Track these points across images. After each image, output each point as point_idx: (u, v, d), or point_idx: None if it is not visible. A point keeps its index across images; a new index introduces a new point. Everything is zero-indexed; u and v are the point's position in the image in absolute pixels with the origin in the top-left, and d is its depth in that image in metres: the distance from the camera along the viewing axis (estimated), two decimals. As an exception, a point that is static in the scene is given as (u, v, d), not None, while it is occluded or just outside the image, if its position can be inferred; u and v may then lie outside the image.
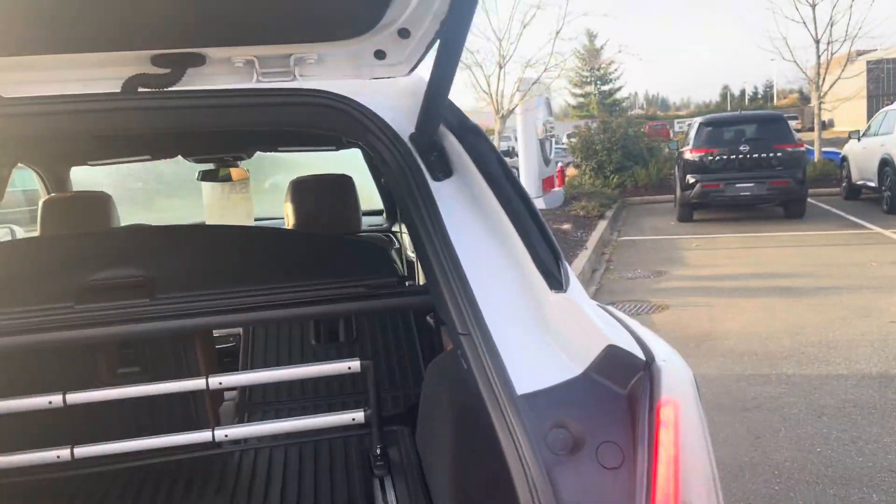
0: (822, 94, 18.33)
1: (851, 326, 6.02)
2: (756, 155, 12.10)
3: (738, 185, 12.06)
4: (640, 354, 1.05)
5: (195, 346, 2.05)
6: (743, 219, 12.94)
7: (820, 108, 19.11)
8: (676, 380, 1.02)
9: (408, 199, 1.27)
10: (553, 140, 15.75)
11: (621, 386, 1.03)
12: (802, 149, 12.50)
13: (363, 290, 1.73)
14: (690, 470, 0.99)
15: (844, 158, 14.67)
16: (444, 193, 1.28)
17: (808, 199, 14.97)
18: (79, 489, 1.91)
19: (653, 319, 6.70)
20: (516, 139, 14.65)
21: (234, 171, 3.59)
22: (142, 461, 1.92)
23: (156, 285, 1.64)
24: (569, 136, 21.03)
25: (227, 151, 3.31)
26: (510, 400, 1.01)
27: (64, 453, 1.68)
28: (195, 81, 1.33)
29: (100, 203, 2.69)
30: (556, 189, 15.60)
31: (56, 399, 1.66)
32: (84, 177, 4.02)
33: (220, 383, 1.74)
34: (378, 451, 1.90)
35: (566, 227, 11.41)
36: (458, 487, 1.38)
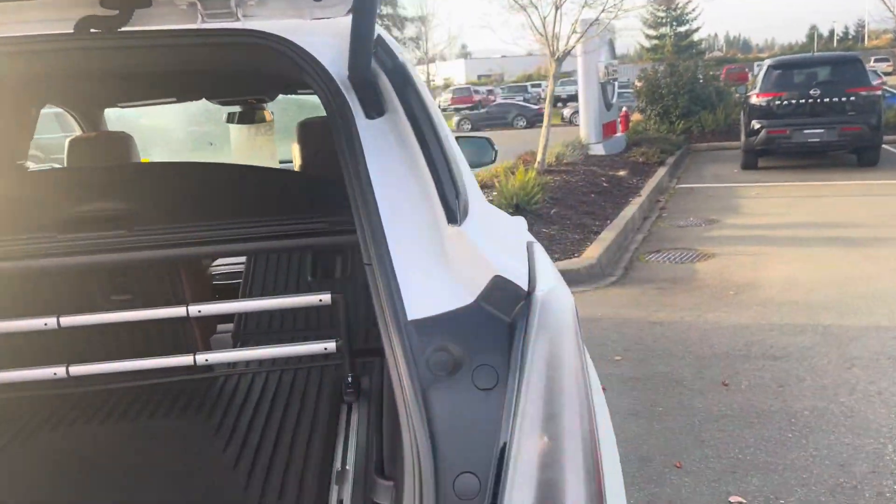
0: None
1: (904, 278, 5.80)
2: (827, 99, 11.52)
3: (806, 131, 11.53)
4: (524, 285, 1.09)
5: (181, 276, 2.19)
6: (811, 166, 12.42)
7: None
8: (554, 309, 1.07)
9: (335, 136, 1.33)
10: (616, 84, 15.35)
11: (506, 314, 1.08)
12: (878, 93, 11.83)
13: (323, 227, 1.80)
14: (560, 395, 1.04)
15: (928, 103, 13.82)
16: (375, 131, 1.33)
17: (886, 147, 14.21)
18: (73, 406, 2.09)
19: (696, 268, 6.61)
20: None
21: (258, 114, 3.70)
22: (131, 382, 2.08)
23: (134, 218, 1.76)
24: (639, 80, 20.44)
25: (249, 94, 3.41)
26: (396, 324, 1.08)
27: (60, 371, 1.85)
28: (143, 23, 1.41)
29: (121, 142, 2.84)
30: (618, 135, 15.26)
31: (51, 321, 1.81)
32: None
33: (199, 311, 1.86)
34: (350, 379, 2.01)
35: (622, 173, 11.22)
36: (392, 409, 1.47)
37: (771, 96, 11.93)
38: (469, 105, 41.55)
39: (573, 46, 10.42)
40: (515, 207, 7.88)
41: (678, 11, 52.59)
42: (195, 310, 1.85)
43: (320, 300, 1.89)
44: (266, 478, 1.68)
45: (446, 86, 57.81)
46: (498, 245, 1.23)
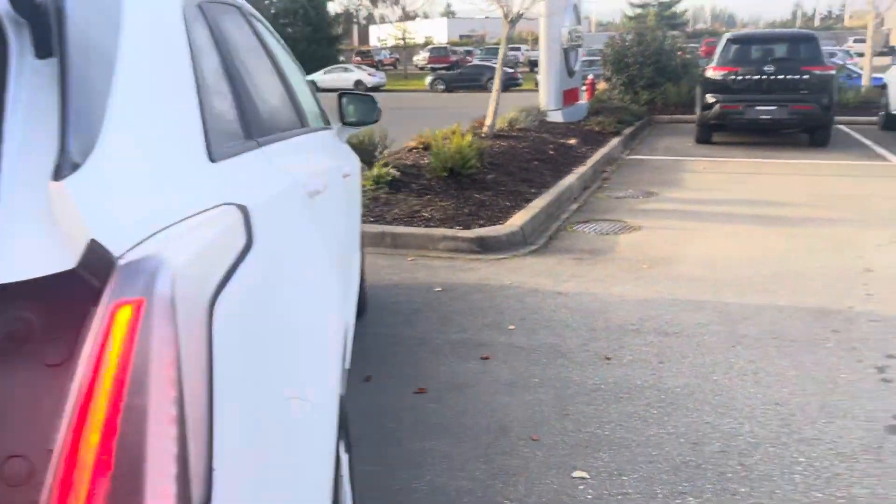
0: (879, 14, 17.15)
1: (816, 259, 5.80)
2: (781, 76, 11.46)
3: (758, 108, 11.48)
4: (118, 250, 0.99)
5: None
6: (765, 143, 12.42)
7: (880, 29, 17.92)
8: (145, 280, 0.97)
9: None
10: (579, 50, 15.15)
11: (100, 282, 0.98)
12: (832, 72, 11.78)
13: None
14: (144, 377, 0.94)
15: (885, 85, 13.81)
16: (42, 75, 1.19)
17: (843, 128, 14.26)
18: None
19: (618, 240, 6.56)
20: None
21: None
22: None
23: None
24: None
25: None
26: None
27: None
28: None
29: None
30: (581, 102, 15.11)
31: None
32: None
33: None
34: None
35: (572, 142, 11.10)
36: None
37: (727, 70, 11.84)
38: (445, 65, 41.03)
39: (527, 8, 10.20)
40: (450, 171, 7.76)
41: (662, -20, 52.09)
42: None
43: None
44: None
45: (426, 44, 56.92)
46: (149, 204, 1.12)
